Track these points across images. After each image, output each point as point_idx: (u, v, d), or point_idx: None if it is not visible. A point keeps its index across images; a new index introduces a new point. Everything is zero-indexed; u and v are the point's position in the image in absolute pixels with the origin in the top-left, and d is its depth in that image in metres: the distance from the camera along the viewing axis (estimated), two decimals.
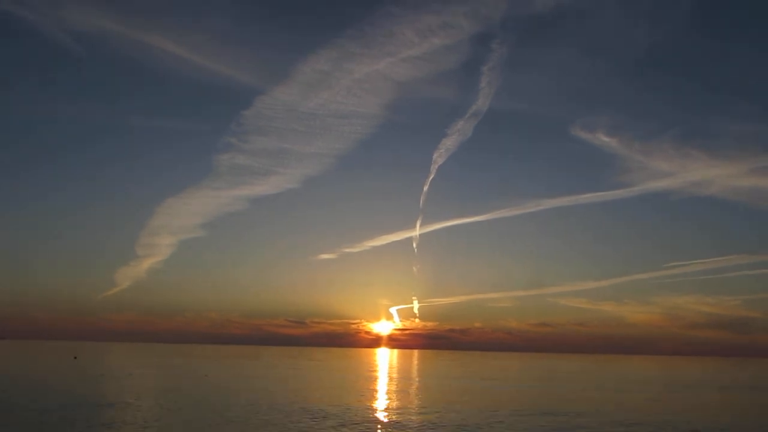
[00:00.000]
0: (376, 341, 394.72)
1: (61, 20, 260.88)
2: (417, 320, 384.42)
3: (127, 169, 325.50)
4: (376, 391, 46.18)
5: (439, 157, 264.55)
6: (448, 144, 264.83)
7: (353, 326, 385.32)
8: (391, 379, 63.51)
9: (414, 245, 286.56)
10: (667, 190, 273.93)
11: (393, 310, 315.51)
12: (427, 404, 35.20)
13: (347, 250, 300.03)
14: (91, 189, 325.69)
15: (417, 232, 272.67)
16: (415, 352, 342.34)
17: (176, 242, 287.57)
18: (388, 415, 29.82)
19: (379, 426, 26.36)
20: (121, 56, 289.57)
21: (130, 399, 35.26)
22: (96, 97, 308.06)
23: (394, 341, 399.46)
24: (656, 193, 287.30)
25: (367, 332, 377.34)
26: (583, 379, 70.52)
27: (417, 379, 62.72)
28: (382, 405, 34.53)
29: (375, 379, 61.94)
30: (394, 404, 34.94)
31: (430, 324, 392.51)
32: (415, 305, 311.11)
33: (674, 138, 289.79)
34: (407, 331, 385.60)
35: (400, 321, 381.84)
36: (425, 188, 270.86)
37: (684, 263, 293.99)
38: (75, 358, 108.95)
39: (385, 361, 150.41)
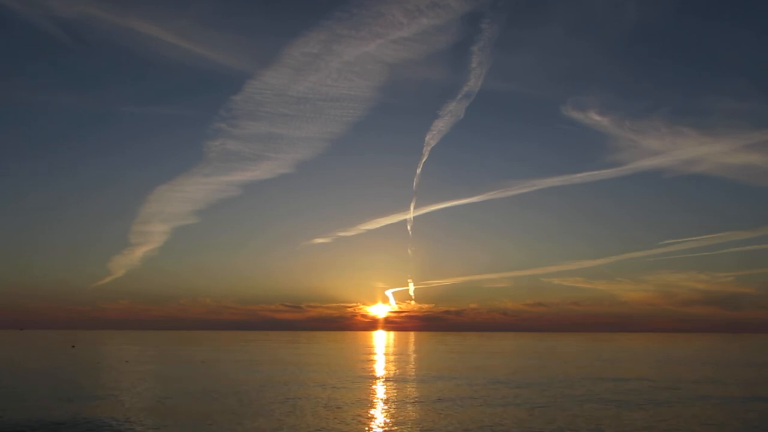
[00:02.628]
0: (372, 324, 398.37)
1: (48, 8, 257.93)
2: (413, 302, 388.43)
3: (118, 157, 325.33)
4: (373, 372, 46.52)
5: (431, 139, 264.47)
6: (441, 126, 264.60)
7: (349, 309, 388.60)
8: (387, 362, 64.01)
9: (408, 228, 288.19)
10: (660, 169, 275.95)
11: (389, 292, 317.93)
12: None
13: (342, 234, 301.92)
14: (83, 179, 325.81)
15: (411, 214, 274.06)
16: (412, 334, 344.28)
17: (169, 229, 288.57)
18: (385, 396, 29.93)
19: (376, 410, 26.43)
20: (109, 44, 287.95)
21: (127, 387, 35.35)
22: (85, 87, 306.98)
23: (390, 324, 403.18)
24: (648, 172, 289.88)
25: (364, 315, 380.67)
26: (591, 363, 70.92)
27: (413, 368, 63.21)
28: (379, 394, 34.72)
29: (372, 362, 62.52)
30: (393, 394, 35.12)
31: (425, 306, 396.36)
32: (411, 287, 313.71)
33: (666, 116, 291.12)
34: (403, 314, 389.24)
35: (396, 303, 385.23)
36: (418, 170, 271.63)
37: (677, 241, 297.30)
38: (72, 347, 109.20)
39: (381, 344, 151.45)
